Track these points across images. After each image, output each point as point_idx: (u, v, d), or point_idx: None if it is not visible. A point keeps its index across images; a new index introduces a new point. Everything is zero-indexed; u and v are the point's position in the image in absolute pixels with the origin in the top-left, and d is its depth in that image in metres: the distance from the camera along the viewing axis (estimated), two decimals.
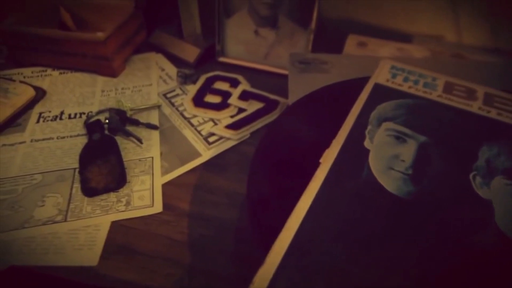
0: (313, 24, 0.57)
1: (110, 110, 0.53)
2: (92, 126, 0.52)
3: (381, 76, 0.48)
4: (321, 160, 0.38)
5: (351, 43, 0.58)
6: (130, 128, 0.53)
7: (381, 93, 0.46)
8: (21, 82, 0.59)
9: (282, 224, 0.32)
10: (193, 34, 0.66)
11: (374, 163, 0.37)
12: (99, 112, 0.56)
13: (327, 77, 0.50)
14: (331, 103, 0.46)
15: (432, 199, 0.35)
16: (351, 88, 0.48)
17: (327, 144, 0.40)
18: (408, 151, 0.38)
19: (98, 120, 0.53)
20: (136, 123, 0.53)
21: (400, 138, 0.40)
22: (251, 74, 0.63)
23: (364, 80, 0.48)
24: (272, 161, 0.40)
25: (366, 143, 0.39)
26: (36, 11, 0.67)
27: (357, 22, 0.67)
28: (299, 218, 0.32)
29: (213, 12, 0.62)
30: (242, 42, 0.63)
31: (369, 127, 0.41)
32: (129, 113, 0.54)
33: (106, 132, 0.52)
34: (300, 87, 0.48)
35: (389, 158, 0.38)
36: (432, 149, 0.38)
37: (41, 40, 0.61)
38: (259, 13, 0.59)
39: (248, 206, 0.37)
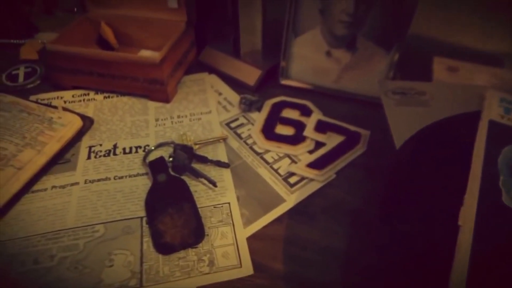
0: (399, 46, 0.52)
1: (175, 145, 0.48)
2: (155, 165, 0.47)
3: (493, 111, 0.44)
4: (460, 223, 0.33)
5: (439, 68, 0.53)
6: (196, 166, 0.47)
7: (500, 133, 0.41)
8: (64, 109, 0.54)
9: None
10: (251, 53, 0.61)
11: None
12: (158, 146, 0.50)
13: (429, 111, 0.45)
14: (444, 143, 0.42)
15: None
16: (462, 125, 0.44)
17: (453, 194, 0.35)
18: None
19: (161, 158, 0.47)
20: (204, 160, 0.48)
21: None
22: (319, 99, 0.58)
23: (473, 116, 0.43)
24: (397, 221, 0.35)
25: (505, 199, 0.34)
26: (75, 26, 0.61)
27: (434, 41, 0.62)
28: None
29: (280, 29, 0.57)
30: (311, 63, 0.58)
31: (501, 178, 0.36)
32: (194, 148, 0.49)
33: (171, 171, 0.47)
34: (402, 125, 0.43)
35: None
36: None
37: (84, 61, 0.55)
38: (335, 33, 0.54)
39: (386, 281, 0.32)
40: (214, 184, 0.45)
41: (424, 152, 0.41)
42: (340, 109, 0.56)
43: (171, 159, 0.47)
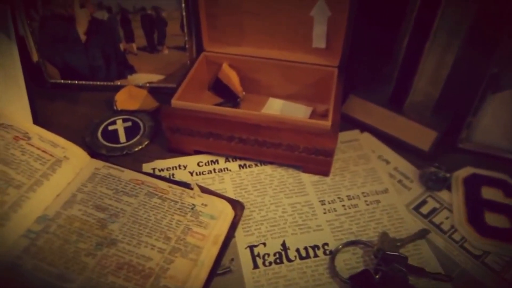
0: None
1: (383, 253, 0.37)
2: (358, 284, 0.36)
3: None
4: None
5: None
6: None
7: None
8: (203, 191, 0.43)
9: None
10: (418, 106, 0.51)
11: None
12: (346, 245, 0.40)
13: None
14: None
15: None
16: None
17: None
18: None
19: (367, 272, 0.37)
20: (420, 273, 0.37)
21: None
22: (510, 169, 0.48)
23: None
24: None
25: None
26: (195, 72, 0.50)
27: None
28: None
29: (460, 78, 0.47)
30: (507, 125, 0.48)
31: None
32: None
33: None
34: None
35: None
36: None
37: (224, 124, 0.44)
38: None
39: None
40: None
41: None
42: None
43: (377, 276, 0.37)
